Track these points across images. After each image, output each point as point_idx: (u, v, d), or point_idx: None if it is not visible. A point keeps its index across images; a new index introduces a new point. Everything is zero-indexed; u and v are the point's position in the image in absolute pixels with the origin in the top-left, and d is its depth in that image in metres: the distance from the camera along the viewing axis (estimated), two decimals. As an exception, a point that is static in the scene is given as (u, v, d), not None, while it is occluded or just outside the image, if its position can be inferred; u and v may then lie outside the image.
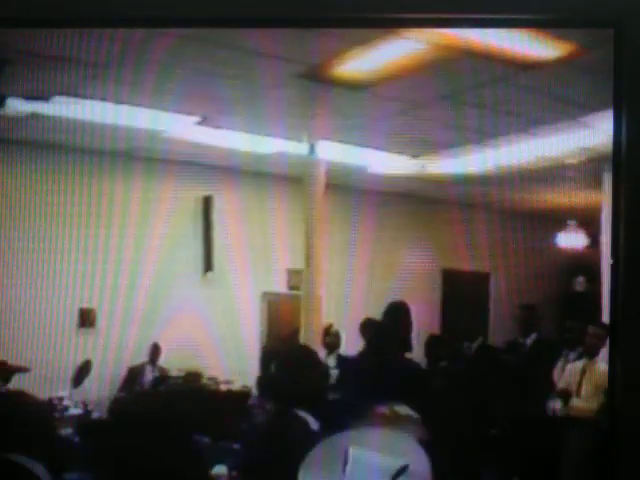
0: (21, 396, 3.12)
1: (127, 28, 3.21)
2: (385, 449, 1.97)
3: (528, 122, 4.35)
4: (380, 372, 3.95)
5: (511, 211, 5.05)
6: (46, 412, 3.18)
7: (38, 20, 2.78)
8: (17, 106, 4.56)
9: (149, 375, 5.24)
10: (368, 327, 4.85)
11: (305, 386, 2.98)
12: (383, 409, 2.65)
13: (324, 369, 3.66)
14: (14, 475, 2.71)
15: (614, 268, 2.58)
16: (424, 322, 5.13)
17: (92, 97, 4.61)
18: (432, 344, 5.06)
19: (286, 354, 3.54)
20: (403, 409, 2.70)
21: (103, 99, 4.64)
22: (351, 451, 1.95)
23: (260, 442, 3.08)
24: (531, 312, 5.15)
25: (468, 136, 4.83)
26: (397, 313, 4.49)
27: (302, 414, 2.88)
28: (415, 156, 5.28)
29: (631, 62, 2.58)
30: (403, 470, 1.93)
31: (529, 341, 5.18)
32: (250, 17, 2.60)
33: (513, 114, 4.41)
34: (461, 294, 5.60)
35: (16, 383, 4.40)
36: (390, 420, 2.56)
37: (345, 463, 1.95)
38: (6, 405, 2.92)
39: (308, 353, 3.49)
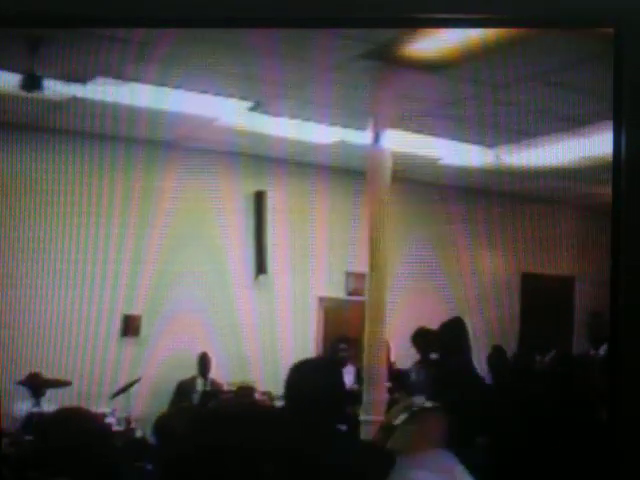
0: (75, 416, 2.74)
1: (127, 28, 3.28)
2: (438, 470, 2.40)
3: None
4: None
5: (600, 208, 4.61)
6: (100, 434, 2.74)
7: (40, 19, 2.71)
8: (56, 89, 4.30)
9: (200, 389, 4.93)
10: (421, 337, 4.64)
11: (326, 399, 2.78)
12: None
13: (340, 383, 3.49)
14: None
15: (614, 269, 2.57)
16: (500, 332, 4.75)
17: (136, 79, 4.35)
18: (495, 357, 4.63)
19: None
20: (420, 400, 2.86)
21: (148, 82, 4.37)
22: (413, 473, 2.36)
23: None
24: (600, 320, 4.71)
25: (552, 123, 4.43)
26: (455, 331, 4.15)
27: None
28: (491, 146, 4.94)
29: (631, 62, 2.56)
30: None
31: (601, 352, 4.73)
32: (250, 17, 2.60)
33: (604, 99, 3.95)
34: (542, 300, 5.22)
35: (55, 398, 4.11)
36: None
37: None
38: (59, 426, 2.61)
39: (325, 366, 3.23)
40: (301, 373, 3.09)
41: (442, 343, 4.20)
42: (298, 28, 3.06)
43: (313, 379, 3.04)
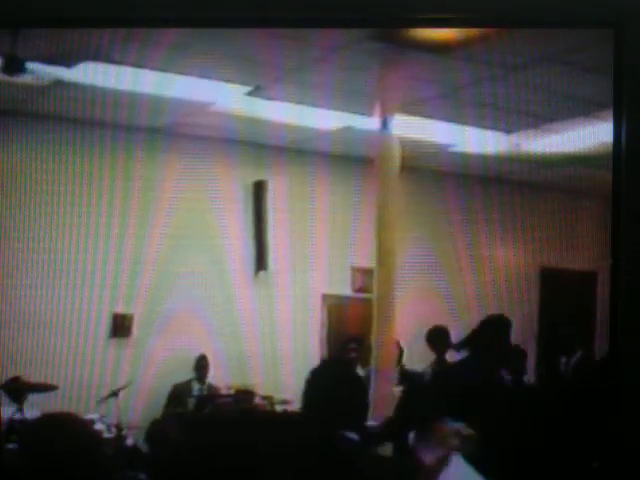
0: (64, 422, 2.56)
1: (127, 28, 3.30)
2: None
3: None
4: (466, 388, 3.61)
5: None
6: (91, 441, 2.57)
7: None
8: (39, 73, 4.26)
9: (196, 394, 4.81)
10: (437, 336, 4.57)
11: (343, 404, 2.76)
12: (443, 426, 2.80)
13: (361, 384, 3.28)
14: None
15: (614, 268, 2.62)
16: (518, 331, 4.54)
17: (126, 63, 4.26)
18: (514, 358, 4.44)
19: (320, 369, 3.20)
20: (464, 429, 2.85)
21: (139, 65, 4.27)
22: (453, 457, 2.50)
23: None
24: None
25: (576, 107, 4.29)
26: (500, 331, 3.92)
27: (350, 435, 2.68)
28: (509, 132, 4.84)
29: (631, 62, 2.63)
30: None
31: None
32: (250, 17, 2.67)
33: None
34: (563, 297, 5.07)
35: (39, 403, 3.97)
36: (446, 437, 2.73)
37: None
38: (47, 432, 2.46)
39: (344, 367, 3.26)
40: (319, 379, 2.88)
41: (482, 342, 3.87)
42: (298, 28, 3.16)
43: (332, 386, 2.84)
